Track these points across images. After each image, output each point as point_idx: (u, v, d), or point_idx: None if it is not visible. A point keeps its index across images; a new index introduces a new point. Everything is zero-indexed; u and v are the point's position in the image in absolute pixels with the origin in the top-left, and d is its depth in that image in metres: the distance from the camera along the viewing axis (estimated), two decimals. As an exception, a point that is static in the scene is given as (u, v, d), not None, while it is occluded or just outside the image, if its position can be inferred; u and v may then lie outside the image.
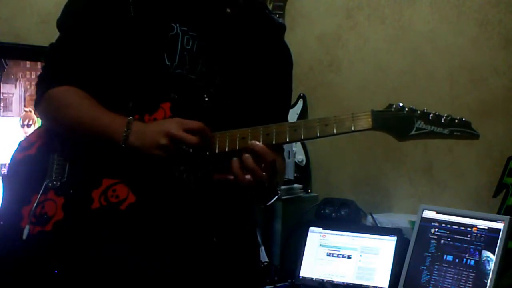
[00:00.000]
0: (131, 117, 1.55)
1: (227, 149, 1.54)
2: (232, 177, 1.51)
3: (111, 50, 1.60)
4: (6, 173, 1.70)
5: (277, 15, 2.15)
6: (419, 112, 1.52)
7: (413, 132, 1.51)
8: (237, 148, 1.53)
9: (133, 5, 1.60)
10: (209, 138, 1.54)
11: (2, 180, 1.69)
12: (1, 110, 2.58)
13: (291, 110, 2.53)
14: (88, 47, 1.62)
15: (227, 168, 1.51)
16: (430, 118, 1.51)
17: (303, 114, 3.18)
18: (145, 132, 1.52)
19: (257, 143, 1.51)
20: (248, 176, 1.49)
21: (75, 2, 1.68)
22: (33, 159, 1.64)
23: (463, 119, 1.51)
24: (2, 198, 1.67)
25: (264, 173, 1.50)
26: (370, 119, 1.51)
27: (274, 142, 1.54)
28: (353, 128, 1.52)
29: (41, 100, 1.64)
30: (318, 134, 1.53)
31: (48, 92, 1.62)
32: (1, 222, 1.62)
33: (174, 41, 1.61)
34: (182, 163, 1.54)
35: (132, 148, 1.53)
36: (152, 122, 1.56)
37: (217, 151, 1.55)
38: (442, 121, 1.50)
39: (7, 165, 2.38)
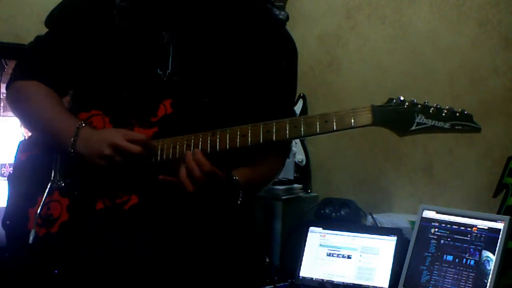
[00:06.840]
0: (81, 123, 1.56)
1: (227, 147, 1.54)
2: (174, 179, 1.51)
3: (98, 56, 1.61)
4: (11, 173, 1.70)
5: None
6: (419, 106, 1.50)
7: (413, 128, 1.49)
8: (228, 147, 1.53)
9: (119, 15, 1.61)
10: (152, 149, 1.55)
11: (8, 181, 1.70)
12: (1, 110, 2.57)
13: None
14: (68, 50, 1.64)
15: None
16: (431, 112, 1.49)
17: (303, 114, 3.17)
18: (91, 139, 1.54)
19: (197, 151, 1.51)
20: (193, 183, 1.49)
21: (63, 3, 1.70)
22: (37, 159, 1.65)
23: (465, 112, 1.50)
24: (8, 198, 1.67)
25: (207, 181, 1.49)
26: (370, 115, 1.50)
27: (274, 139, 1.52)
28: (353, 124, 1.50)
29: (10, 87, 1.68)
30: (318, 130, 1.51)
31: (17, 82, 1.66)
32: (8, 222, 1.63)
33: (165, 49, 1.61)
34: (125, 173, 1.54)
35: (79, 155, 1.54)
36: (99, 130, 1.57)
37: (218, 149, 1.54)
38: (443, 114, 1.49)
39: (7, 165, 2.37)
